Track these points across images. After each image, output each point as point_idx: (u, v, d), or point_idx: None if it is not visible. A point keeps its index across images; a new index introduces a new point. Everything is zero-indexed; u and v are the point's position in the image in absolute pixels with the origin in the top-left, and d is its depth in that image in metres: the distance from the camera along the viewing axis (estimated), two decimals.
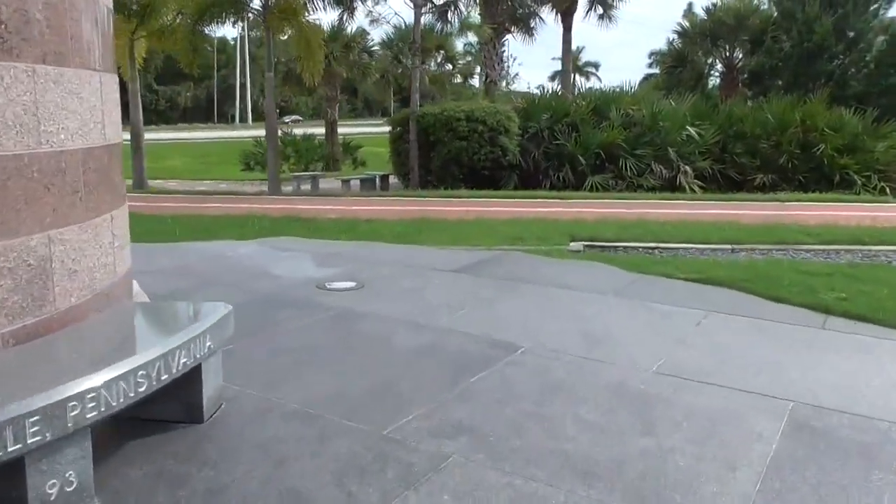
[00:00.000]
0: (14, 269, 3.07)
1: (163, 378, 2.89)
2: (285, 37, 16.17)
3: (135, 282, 5.22)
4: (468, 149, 17.16)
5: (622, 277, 6.24)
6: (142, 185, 15.23)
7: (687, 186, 17.45)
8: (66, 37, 3.30)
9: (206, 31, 17.58)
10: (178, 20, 14.90)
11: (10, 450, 2.28)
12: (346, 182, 18.99)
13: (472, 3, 23.19)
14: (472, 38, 26.73)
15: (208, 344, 3.23)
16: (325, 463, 2.96)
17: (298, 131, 27.13)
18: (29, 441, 2.34)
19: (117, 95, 4.08)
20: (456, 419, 3.35)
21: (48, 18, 3.16)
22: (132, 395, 2.72)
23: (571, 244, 8.71)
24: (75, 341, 2.95)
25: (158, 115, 61.27)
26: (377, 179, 19.01)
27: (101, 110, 3.70)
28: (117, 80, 4.18)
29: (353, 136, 30.28)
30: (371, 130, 33.82)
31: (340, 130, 29.85)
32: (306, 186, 18.68)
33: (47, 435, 2.39)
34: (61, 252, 3.34)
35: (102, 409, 2.58)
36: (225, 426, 3.28)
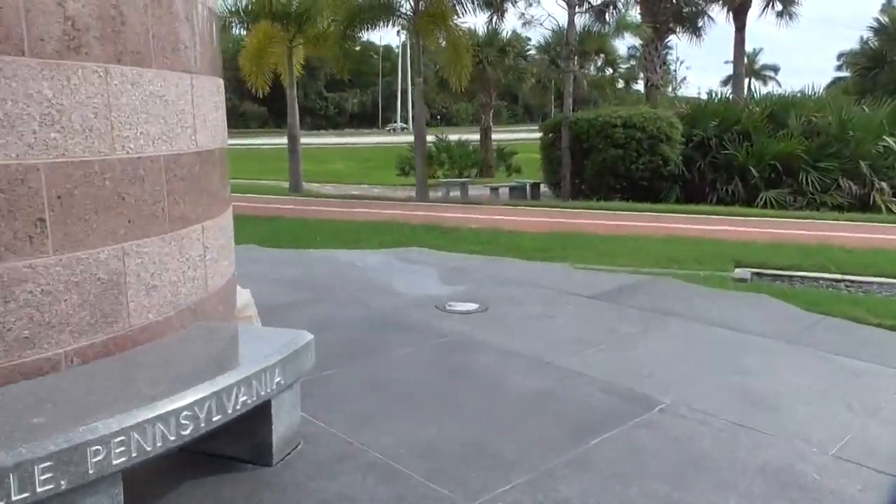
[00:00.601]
0: (81, 284, 2.82)
1: (214, 420, 2.49)
2: (440, 43, 15.97)
3: (247, 292, 5.01)
4: (625, 157, 16.03)
5: (798, 318, 5.16)
6: (297, 188, 15.70)
7: (883, 206, 15.15)
8: (146, 35, 3.03)
9: (366, 38, 18.02)
10: (330, 27, 15.19)
11: (13, 499, 1.95)
12: (494, 190, 18.52)
13: (631, 1, 21.72)
14: (634, 40, 25.33)
15: (277, 380, 2.81)
16: None
17: (454, 137, 27.13)
18: (38, 490, 2.00)
19: (218, 99, 3.81)
20: (563, 497, 2.69)
21: (123, 15, 2.89)
22: (173, 438, 2.34)
23: (736, 271, 7.52)
24: (127, 367, 2.63)
25: (327, 121, 64.60)
26: (527, 188, 18.36)
27: (192, 114, 3.42)
28: (220, 83, 3.92)
29: (510, 142, 29.85)
30: (528, 136, 33.31)
31: (498, 136, 29.55)
32: (455, 193, 18.45)
33: (62, 483, 2.05)
34: (137, 266, 3.07)
35: (134, 455, 2.21)
36: (293, 472, 2.85)
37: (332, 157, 32.12)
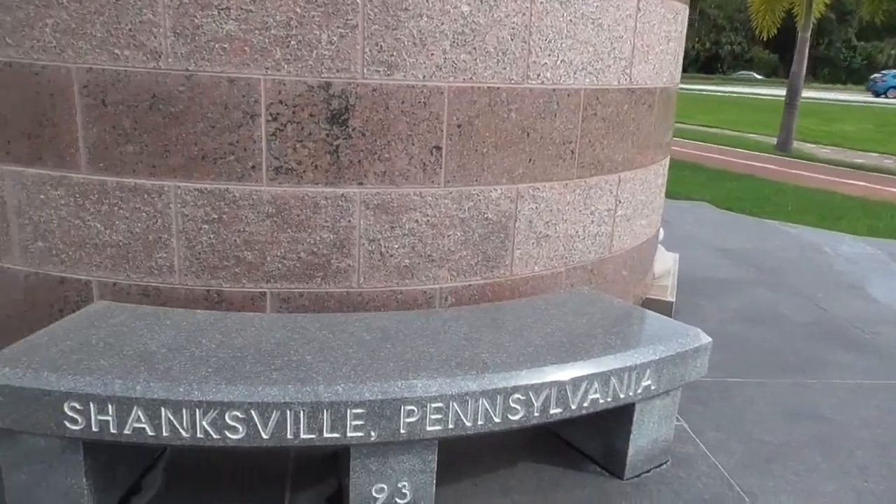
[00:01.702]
0: (467, 221, 2.66)
1: (551, 413, 2.08)
2: None
3: (672, 257, 4.42)
4: None
5: None
6: (785, 146, 13.77)
7: None
8: None
9: None
10: None
11: (326, 436, 1.88)
12: None
13: None
14: None
15: (646, 384, 2.25)
16: None
17: None
18: (349, 434, 1.89)
19: (671, 29, 3.20)
20: None
21: None
22: (497, 420, 2.01)
23: None
24: (488, 322, 2.37)
25: (851, 74, 56.02)
26: None
27: (631, 44, 2.91)
28: (680, 10, 3.28)
29: None
30: None
31: None
32: None
33: (371, 434, 1.91)
34: (531, 211, 2.78)
35: (450, 427, 1.96)
36: (640, 498, 2.29)
37: (843, 115, 27.76)
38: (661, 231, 4.28)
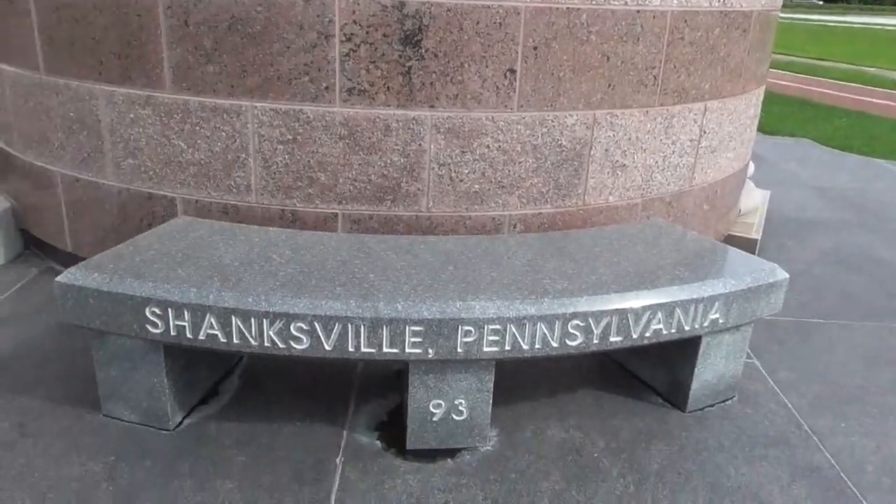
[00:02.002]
0: (539, 147, 2.61)
1: (612, 341, 2.07)
2: None
3: (762, 195, 4.23)
4: None
5: None
6: None
7: None
8: None
9: None
10: None
11: (385, 351, 1.95)
12: None
13: None
14: None
15: (714, 317, 2.19)
16: None
17: None
18: (407, 350, 1.95)
19: None
20: None
21: None
22: (555, 346, 2.02)
23: None
24: (557, 250, 2.35)
25: None
26: None
27: None
28: None
29: None
30: None
31: None
32: None
33: (429, 352, 1.96)
34: (608, 139, 2.71)
35: (507, 349, 1.98)
36: (700, 432, 2.26)
37: None
38: (752, 166, 4.07)
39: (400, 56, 2.41)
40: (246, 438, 2.09)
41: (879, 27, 32.05)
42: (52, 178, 2.95)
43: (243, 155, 2.55)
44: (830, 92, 10.81)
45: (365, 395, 2.35)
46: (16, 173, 3.20)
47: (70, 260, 2.95)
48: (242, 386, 2.36)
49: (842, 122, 8.70)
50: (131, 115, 2.62)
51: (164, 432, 2.09)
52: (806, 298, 3.25)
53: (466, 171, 2.58)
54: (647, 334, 2.11)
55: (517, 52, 2.46)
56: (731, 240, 3.53)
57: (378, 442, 2.12)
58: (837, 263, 3.71)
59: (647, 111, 2.75)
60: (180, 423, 2.15)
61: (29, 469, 1.92)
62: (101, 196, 2.82)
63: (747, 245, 3.50)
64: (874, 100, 10.25)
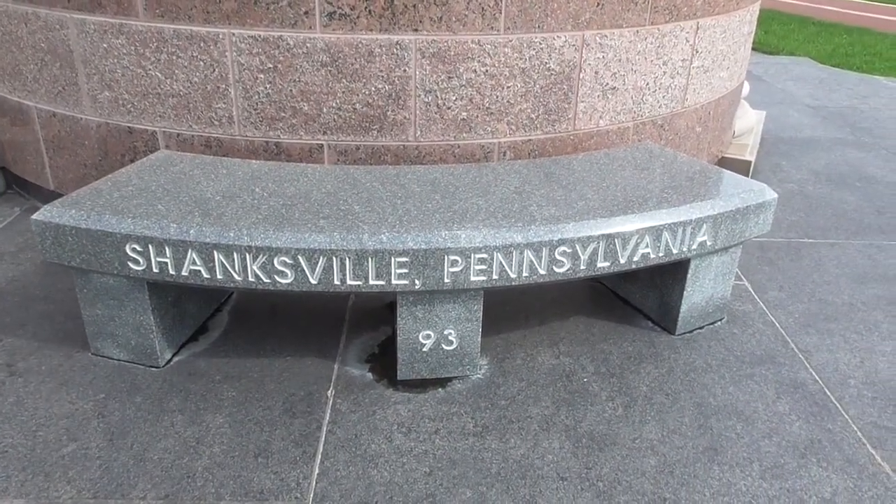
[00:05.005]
0: (528, 71, 2.54)
1: (599, 266, 2.05)
2: None
3: (756, 115, 4.15)
4: None
5: None
6: None
7: None
8: None
9: None
10: None
11: (372, 283, 1.93)
12: None
13: None
14: None
15: (702, 239, 2.17)
16: None
17: None
18: (393, 282, 1.94)
19: None
20: None
21: None
22: (542, 273, 2.00)
23: None
24: (546, 177, 2.31)
25: None
26: None
27: None
28: None
29: None
30: None
31: None
32: None
33: (416, 283, 1.95)
34: (597, 61, 2.62)
35: (495, 278, 1.97)
36: (688, 354, 2.28)
37: None
38: (746, 86, 3.98)
39: None
40: (236, 373, 2.10)
41: None
42: (29, 112, 2.87)
43: (223, 85, 2.47)
44: (833, 9, 10.51)
45: (356, 328, 2.35)
46: None
47: (53, 198, 2.91)
48: (232, 322, 2.36)
49: (842, 40, 8.49)
50: (104, 45, 2.53)
51: (154, 369, 2.10)
52: (797, 218, 3.23)
53: (454, 98, 2.50)
54: (635, 259, 2.09)
55: None
56: (725, 162, 3.48)
57: (369, 374, 2.14)
58: (831, 182, 3.68)
59: (637, 31, 2.65)
60: (170, 360, 2.15)
61: (19, 407, 1.93)
62: (79, 131, 2.75)
63: (741, 167, 3.45)
64: (878, 15, 9.97)
